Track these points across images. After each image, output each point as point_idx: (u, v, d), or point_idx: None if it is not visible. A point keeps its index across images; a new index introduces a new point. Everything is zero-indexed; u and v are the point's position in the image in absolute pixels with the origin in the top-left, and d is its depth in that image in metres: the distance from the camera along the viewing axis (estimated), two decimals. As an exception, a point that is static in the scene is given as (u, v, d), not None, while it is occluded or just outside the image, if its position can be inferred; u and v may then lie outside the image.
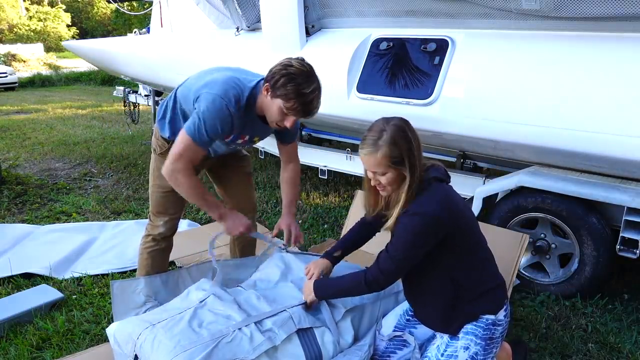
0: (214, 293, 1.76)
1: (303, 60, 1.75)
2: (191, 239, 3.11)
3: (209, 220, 3.57)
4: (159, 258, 2.20)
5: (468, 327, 1.51)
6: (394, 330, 1.71)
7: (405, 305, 1.77)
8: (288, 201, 2.15)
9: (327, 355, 1.66)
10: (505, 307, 1.56)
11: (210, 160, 2.17)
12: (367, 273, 1.53)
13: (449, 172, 1.60)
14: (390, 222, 1.52)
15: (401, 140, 1.45)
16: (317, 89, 1.72)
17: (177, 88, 1.99)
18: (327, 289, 1.65)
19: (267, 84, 1.74)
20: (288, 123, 1.76)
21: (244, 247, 2.42)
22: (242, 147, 2.19)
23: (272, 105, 1.75)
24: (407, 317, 1.72)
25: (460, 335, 1.52)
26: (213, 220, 3.50)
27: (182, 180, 1.80)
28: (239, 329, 1.58)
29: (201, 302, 1.71)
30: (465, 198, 2.76)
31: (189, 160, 1.78)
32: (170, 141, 2.00)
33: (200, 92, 1.79)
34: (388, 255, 1.49)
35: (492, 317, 1.51)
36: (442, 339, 1.56)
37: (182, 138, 1.78)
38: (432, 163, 1.57)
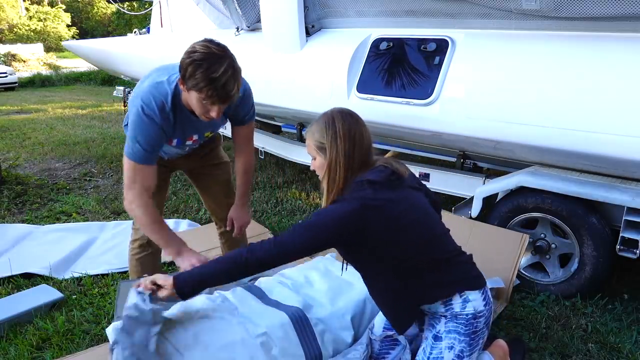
0: (211, 302, 1.77)
1: (210, 41, 1.58)
2: (191, 239, 3.10)
3: (209, 220, 3.57)
4: (148, 263, 2.15)
5: (450, 325, 1.49)
6: (384, 330, 1.70)
7: None
8: (241, 193, 2.11)
9: (327, 355, 1.66)
10: (482, 296, 1.49)
11: (181, 161, 2.14)
12: (253, 245, 1.40)
13: (400, 174, 1.49)
14: None
15: (329, 128, 1.47)
16: (230, 69, 1.55)
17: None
18: (191, 280, 1.43)
19: (180, 78, 1.60)
20: (213, 113, 1.61)
21: (233, 248, 2.39)
22: (196, 145, 2.05)
23: (191, 99, 1.62)
24: None
25: (443, 335, 1.49)
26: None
27: (137, 212, 1.71)
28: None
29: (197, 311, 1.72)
30: (464, 198, 2.76)
31: (141, 185, 1.70)
32: None
33: (130, 105, 1.75)
34: (289, 231, 1.40)
35: (471, 311, 1.47)
36: (426, 340, 1.54)
37: (126, 164, 1.72)
38: (379, 164, 1.50)
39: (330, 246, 1.42)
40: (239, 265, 1.40)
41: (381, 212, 1.39)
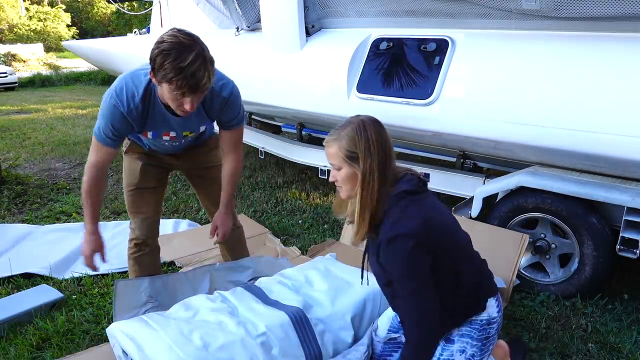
0: (211, 302, 1.77)
1: (179, 31, 1.54)
2: (191, 239, 3.11)
3: (209, 220, 3.57)
4: (146, 263, 2.14)
5: (463, 329, 1.48)
6: (388, 332, 1.69)
7: None
8: (226, 198, 2.07)
9: (327, 355, 1.66)
10: (496, 303, 1.49)
11: (177, 162, 2.16)
12: (409, 337, 1.37)
13: (424, 180, 1.46)
14: (355, 237, 1.42)
15: (361, 136, 1.38)
16: (199, 58, 1.51)
17: None
18: None
19: (150, 70, 1.58)
20: (187, 105, 1.58)
21: (233, 249, 2.38)
22: (180, 144, 2.02)
23: (164, 92, 1.59)
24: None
25: (455, 338, 1.48)
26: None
27: (85, 177, 1.83)
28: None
29: (195, 315, 1.71)
30: (464, 198, 2.76)
31: (94, 160, 1.82)
32: (130, 139, 2.09)
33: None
34: (403, 298, 1.35)
35: (485, 317, 1.46)
36: None
37: (93, 137, 1.82)
38: (404, 172, 1.45)
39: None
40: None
41: (433, 218, 1.37)
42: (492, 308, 1.48)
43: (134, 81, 1.72)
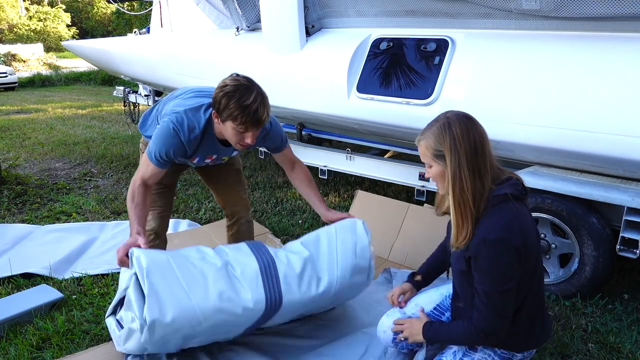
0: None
1: (237, 75, 1.81)
2: (191, 239, 3.11)
3: (209, 220, 3.57)
4: None
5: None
6: (435, 310, 1.65)
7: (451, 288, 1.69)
8: (319, 200, 2.15)
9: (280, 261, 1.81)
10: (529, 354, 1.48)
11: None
12: (475, 323, 1.37)
13: (526, 187, 1.42)
14: (456, 241, 1.39)
15: (446, 133, 1.35)
16: (259, 96, 1.76)
17: (163, 101, 2.13)
18: (438, 334, 1.49)
19: (214, 111, 1.81)
20: (248, 139, 1.81)
21: (239, 241, 2.43)
22: (215, 165, 2.23)
23: (226, 129, 1.81)
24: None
25: (479, 348, 1.48)
26: (213, 220, 3.51)
27: (130, 188, 1.89)
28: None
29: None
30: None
31: (144, 174, 1.90)
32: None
33: (164, 116, 1.93)
34: (479, 296, 1.34)
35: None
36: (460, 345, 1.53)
37: (144, 158, 1.93)
38: (509, 176, 1.41)
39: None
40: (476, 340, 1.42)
41: (526, 229, 1.33)
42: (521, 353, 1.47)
43: (194, 117, 1.88)
